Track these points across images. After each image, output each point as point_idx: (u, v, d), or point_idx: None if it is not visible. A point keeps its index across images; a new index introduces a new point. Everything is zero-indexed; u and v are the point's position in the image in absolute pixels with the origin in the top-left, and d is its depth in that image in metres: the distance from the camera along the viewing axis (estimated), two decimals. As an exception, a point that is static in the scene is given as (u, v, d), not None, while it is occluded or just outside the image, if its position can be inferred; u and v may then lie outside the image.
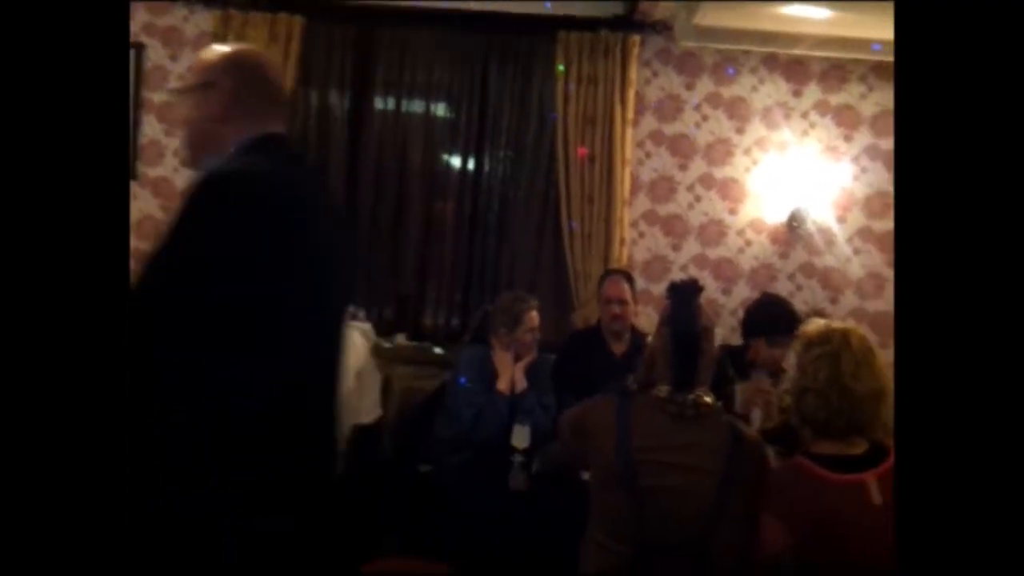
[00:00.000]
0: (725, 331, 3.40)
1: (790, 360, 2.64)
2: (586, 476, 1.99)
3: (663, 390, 1.83)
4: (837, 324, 1.85)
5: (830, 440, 1.73)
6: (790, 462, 1.81)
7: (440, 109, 3.70)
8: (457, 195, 3.67)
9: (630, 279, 3.11)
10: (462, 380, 2.71)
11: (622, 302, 2.97)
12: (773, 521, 1.70)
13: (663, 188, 3.64)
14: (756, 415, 2.67)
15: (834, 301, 3.58)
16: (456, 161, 3.68)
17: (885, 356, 3.60)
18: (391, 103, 3.67)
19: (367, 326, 2.69)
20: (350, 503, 2.45)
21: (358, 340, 2.58)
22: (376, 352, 3.52)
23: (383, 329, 3.59)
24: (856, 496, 1.68)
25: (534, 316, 2.72)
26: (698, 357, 1.84)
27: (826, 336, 1.77)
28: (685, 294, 1.88)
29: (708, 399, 1.85)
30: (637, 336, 2.98)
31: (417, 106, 3.69)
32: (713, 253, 3.63)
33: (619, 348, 2.98)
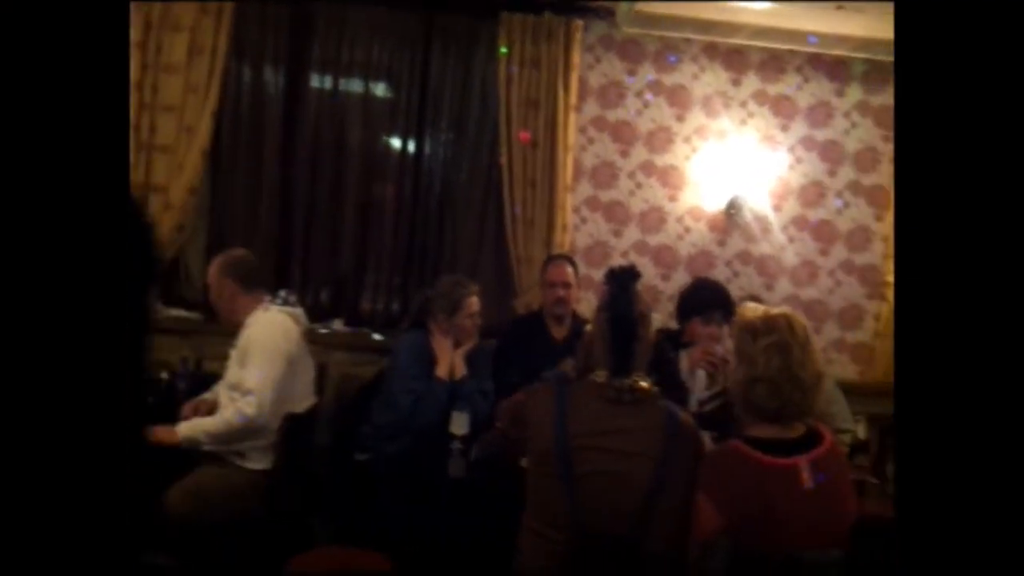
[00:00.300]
0: (664, 317, 3.44)
1: (727, 344, 2.68)
2: (524, 463, 1.97)
3: (601, 375, 1.84)
4: (775, 310, 1.84)
5: (770, 425, 1.74)
6: (725, 445, 1.82)
7: (380, 89, 3.60)
8: (397, 177, 3.58)
9: (573, 264, 3.11)
10: (400, 366, 2.65)
11: (566, 285, 2.97)
12: (707, 503, 1.71)
13: (605, 174, 3.64)
14: (701, 378, 2.70)
15: (769, 288, 3.66)
16: (396, 143, 3.59)
17: (818, 342, 3.73)
18: (328, 82, 3.55)
19: (299, 311, 2.59)
20: (281, 493, 2.38)
21: (289, 325, 2.49)
22: (312, 338, 3.41)
23: (320, 314, 3.50)
24: (789, 479, 1.70)
25: (474, 301, 2.68)
26: (635, 343, 1.84)
27: (772, 325, 1.76)
28: (623, 280, 1.88)
29: (645, 384, 1.86)
30: (578, 322, 2.98)
31: (356, 86, 3.58)
32: (653, 240, 3.66)
33: (560, 333, 2.98)
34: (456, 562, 2.27)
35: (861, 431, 2.69)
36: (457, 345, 2.68)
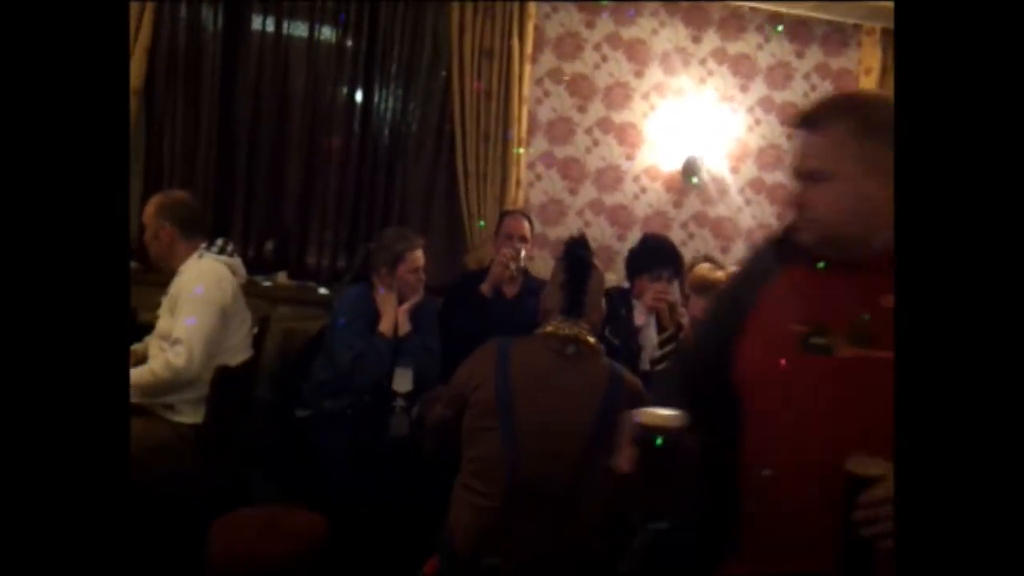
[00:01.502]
0: (620, 278, 3.39)
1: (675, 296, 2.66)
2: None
3: (549, 326, 1.83)
4: (733, 270, 1.83)
5: None
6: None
7: (326, 34, 3.42)
8: (344, 127, 3.42)
9: (530, 220, 3.03)
10: (341, 321, 2.55)
11: (523, 239, 2.89)
12: None
13: (561, 129, 3.55)
14: (652, 335, 2.69)
15: (725, 250, 3.64)
16: (344, 91, 3.43)
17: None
18: (271, 24, 3.35)
19: (236, 261, 2.45)
20: (212, 448, 2.28)
21: (224, 274, 2.35)
22: (255, 291, 3.28)
23: (263, 267, 3.36)
24: None
25: (418, 255, 2.58)
26: (588, 282, 1.86)
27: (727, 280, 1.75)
28: (580, 240, 1.96)
29: (590, 339, 1.85)
30: (531, 280, 2.91)
31: (300, 29, 3.38)
32: (609, 199, 3.59)
33: (511, 291, 2.90)
34: (396, 522, 2.21)
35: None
36: (401, 300, 2.58)
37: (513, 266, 2.79)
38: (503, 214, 3.06)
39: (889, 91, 3.51)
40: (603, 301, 1.99)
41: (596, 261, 1.96)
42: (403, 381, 2.37)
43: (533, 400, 1.77)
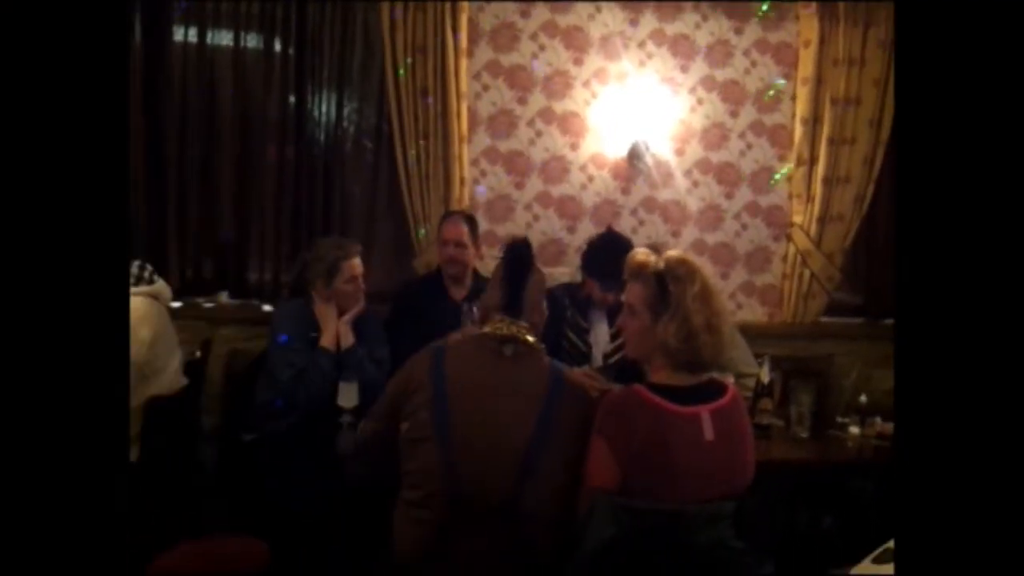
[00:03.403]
0: (572, 271, 3.34)
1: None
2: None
3: (487, 326, 1.78)
4: (673, 254, 1.76)
5: (676, 372, 1.69)
6: (627, 389, 1.76)
7: (253, 41, 3.29)
8: (278, 135, 3.30)
9: (471, 221, 2.94)
10: (281, 338, 2.45)
11: (460, 244, 2.81)
12: (602, 448, 1.65)
13: (503, 123, 3.47)
14: (603, 330, 2.65)
15: (676, 234, 3.59)
16: (275, 98, 3.31)
17: (726, 286, 3.70)
18: (193, 34, 3.22)
19: (159, 285, 2.34)
20: (147, 484, 2.18)
21: (142, 307, 2.23)
22: (195, 313, 3.17)
23: (203, 287, 3.24)
24: (690, 428, 1.66)
25: (355, 263, 2.49)
26: (526, 280, 1.81)
27: (694, 272, 1.71)
28: (522, 240, 1.92)
29: (530, 338, 1.79)
30: (479, 281, 2.84)
31: (225, 38, 3.25)
32: (556, 190, 3.52)
33: (459, 294, 2.83)
34: (345, 543, 2.13)
35: (765, 374, 2.67)
36: (342, 312, 2.49)
37: (453, 271, 2.73)
38: (443, 217, 2.98)
39: (829, 59, 3.49)
40: (544, 302, 1.93)
41: (537, 262, 1.91)
42: (348, 396, 2.29)
43: (470, 405, 1.71)
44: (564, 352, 2.69)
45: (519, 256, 1.86)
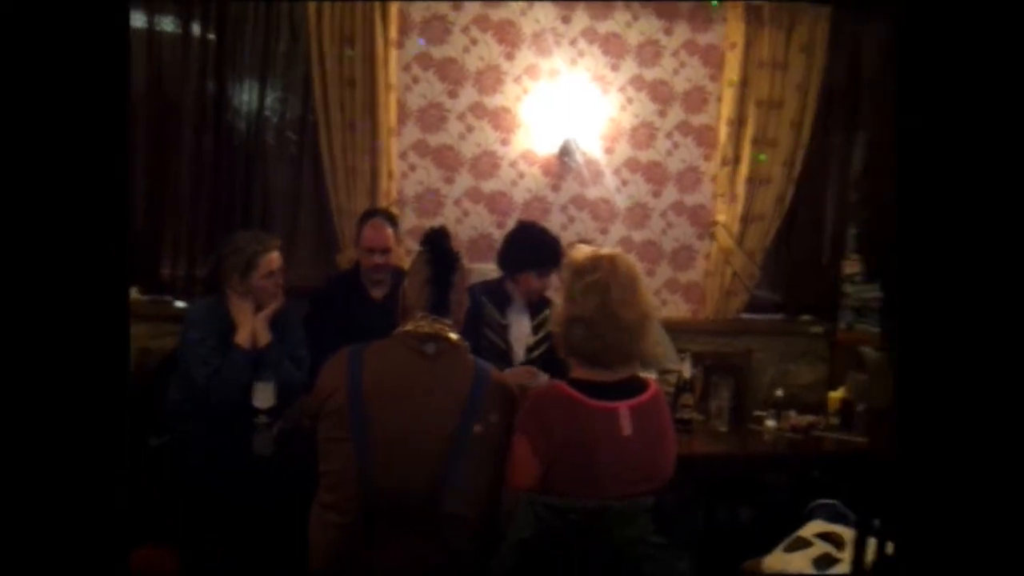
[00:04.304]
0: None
1: (554, 286, 2.62)
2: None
3: (408, 324, 1.75)
4: (604, 251, 1.79)
5: (592, 368, 1.69)
6: (547, 386, 1.76)
7: (168, 25, 3.13)
8: (195, 124, 3.16)
9: (393, 221, 2.85)
10: (193, 336, 2.35)
11: (385, 251, 2.72)
12: (524, 446, 1.65)
13: (433, 116, 3.41)
14: (525, 324, 2.67)
15: (604, 231, 3.62)
16: (192, 86, 3.16)
17: (652, 283, 3.75)
18: (103, 11, 3.03)
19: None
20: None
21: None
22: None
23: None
24: (608, 423, 1.67)
25: (274, 258, 2.40)
26: (452, 276, 1.78)
27: (595, 264, 1.72)
28: (441, 231, 1.86)
29: (453, 335, 1.76)
30: (399, 276, 2.78)
31: (137, 20, 3.08)
32: (487, 186, 3.50)
33: (379, 292, 2.76)
34: (261, 549, 2.06)
35: (686, 370, 2.72)
36: (258, 308, 2.40)
37: (378, 276, 2.67)
38: (362, 218, 2.85)
39: (754, 62, 3.57)
40: (467, 296, 1.90)
41: (467, 257, 1.91)
42: (263, 396, 2.21)
43: (389, 405, 1.67)
44: (483, 351, 2.67)
45: (443, 252, 1.82)
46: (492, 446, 1.70)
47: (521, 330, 2.76)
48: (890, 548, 1.99)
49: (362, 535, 1.62)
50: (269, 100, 3.26)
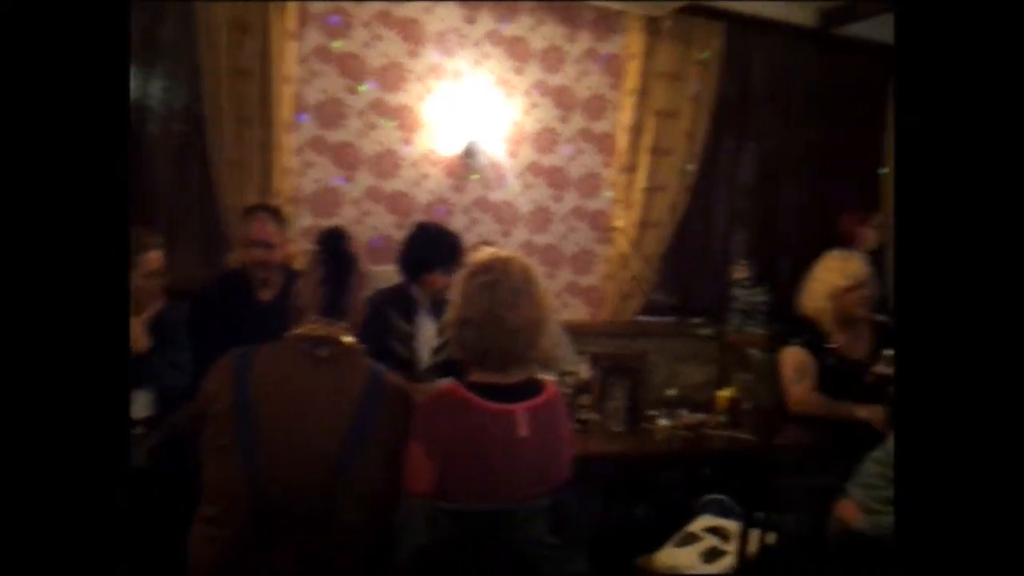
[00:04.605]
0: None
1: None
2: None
3: (300, 327, 1.67)
4: (499, 253, 1.78)
5: (486, 370, 1.67)
6: (441, 388, 1.73)
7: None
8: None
9: (278, 217, 2.73)
10: (61, 341, 2.16)
11: (267, 245, 2.60)
12: (419, 451, 1.61)
13: (332, 112, 3.31)
14: (429, 327, 2.64)
15: (506, 235, 3.64)
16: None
17: (552, 286, 3.79)
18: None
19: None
20: None
21: None
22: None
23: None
24: (504, 426, 1.66)
25: (154, 257, 2.25)
26: (349, 277, 1.71)
27: (485, 266, 1.70)
28: (338, 231, 1.79)
29: (347, 338, 1.70)
30: (291, 277, 2.67)
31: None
32: (388, 186, 3.43)
33: (267, 294, 2.64)
34: (140, 565, 1.92)
35: (584, 371, 2.77)
36: (137, 311, 2.24)
37: (261, 274, 2.55)
38: (245, 212, 2.72)
39: (653, 73, 3.69)
40: (363, 298, 1.85)
41: (365, 259, 1.80)
42: (140, 405, 2.08)
43: (278, 410, 1.59)
44: (387, 363, 2.61)
45: (340, 253, 1.76)
46: (386, 451, 1.66)
47: (427, 335, 2.72)
48: (771, 539, 2.10)
49: (248, 545, 1.54)
50: (154, 89, 3.05)
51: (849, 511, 2.28)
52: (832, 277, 3.05)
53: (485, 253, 1.83)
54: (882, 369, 2.70)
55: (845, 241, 3.75)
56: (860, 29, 4.02)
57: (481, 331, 1.65)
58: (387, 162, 3.41)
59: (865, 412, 2.80)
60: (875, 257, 3.72)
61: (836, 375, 2.95)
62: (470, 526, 1.65)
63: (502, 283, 1.67)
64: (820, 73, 4.08)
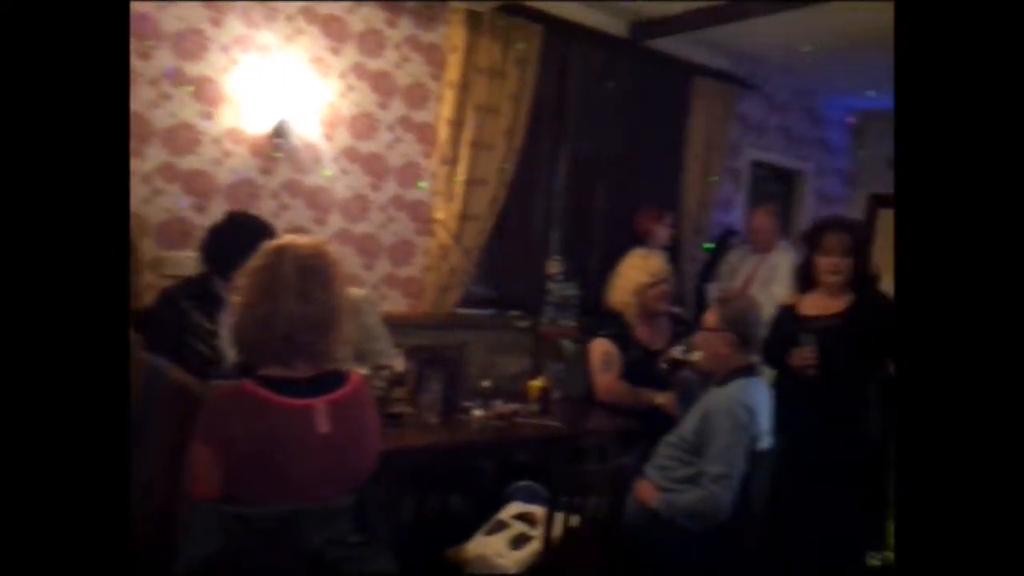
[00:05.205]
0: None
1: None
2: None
3: None
4: (299, 240, 1.66)
5: (275, 363, 1.57)
6: (228, 385, 1.59)
7: None
8: None
9: None
10: None
11: None
12: (204, 451, 1.49)
13: (117, 78, 2.94)
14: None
15: (320, 222, 3.46)
16: None
17: (370, 277, 3.67)
18: None
19: None
20: None
21: None
22: None
23: None
24: (300, 422, 1.56)
25: None
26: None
27: (263, 253, 1.60)
28: None
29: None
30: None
31: None
32: (184, 163, 3.11)
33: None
34: None
35: (399, 364, 2.70)
36: None
37: None
38: None
39: (474, 67, 3.70)
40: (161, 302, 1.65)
41: (158, 243, 1.63)
42: None
43: None
44: (188, 362, 2.35)
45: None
46: (165, 454, 1.50)
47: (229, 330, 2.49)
48: (575, 521, 2.17)
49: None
50: None
51: (646, 491, 2.44)
52: (635, 274, 3.27)
53: (281, 241, 1.70)
54: (676, 353, 2.92)
55: (641, 238, 4.03)
56: (667, 44, 4.35)
57: (261, 322, 1.54)
58: (183, 137, 3.09)
59: (662, 398, 3.02)
60: (671, 253, 4.03)
61: (639, 365, 3.15)
62: (263, 530, 1.54)
63: (286, 271, 1.56)
64: (630, 81, 4.34)
